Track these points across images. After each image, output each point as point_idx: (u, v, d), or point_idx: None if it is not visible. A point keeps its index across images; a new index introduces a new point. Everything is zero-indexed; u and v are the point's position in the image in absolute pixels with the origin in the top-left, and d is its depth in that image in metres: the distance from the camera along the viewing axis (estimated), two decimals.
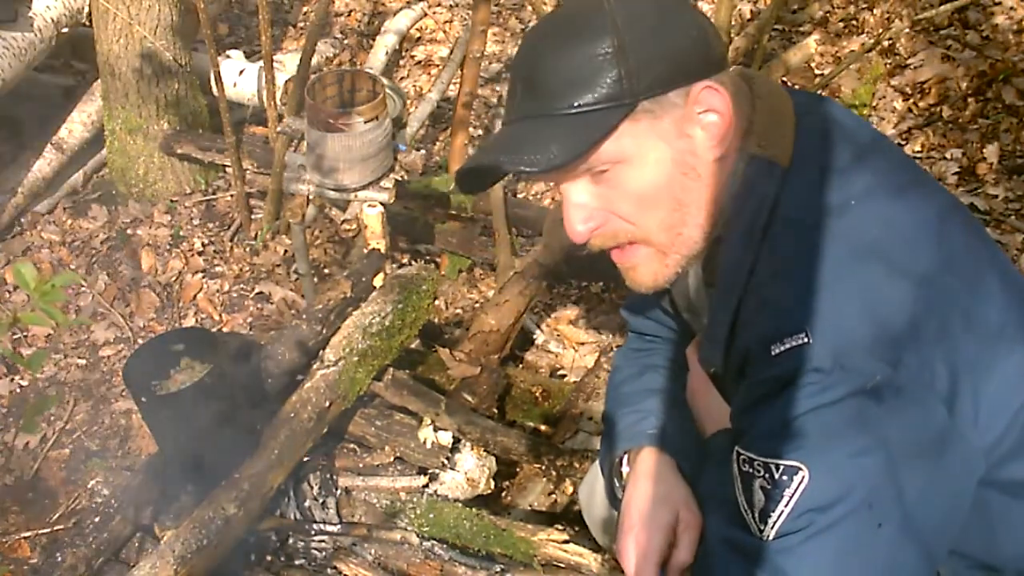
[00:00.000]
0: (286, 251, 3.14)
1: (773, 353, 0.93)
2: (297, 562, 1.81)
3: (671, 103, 0.98)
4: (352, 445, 2.00)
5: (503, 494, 2.10)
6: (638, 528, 1.15)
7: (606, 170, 1.00)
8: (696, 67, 0.99)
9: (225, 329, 2.87)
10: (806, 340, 0.91)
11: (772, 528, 0.93)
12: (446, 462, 1.92)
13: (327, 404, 1.83)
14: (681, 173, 1.01)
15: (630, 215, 1.02)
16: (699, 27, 1.01)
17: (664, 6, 1.00)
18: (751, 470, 0.95)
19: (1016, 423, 0.97)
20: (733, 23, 3.14)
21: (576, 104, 0.96)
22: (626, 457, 1.26)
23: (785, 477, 0.91)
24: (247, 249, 3.16)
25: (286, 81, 3.19)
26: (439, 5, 4.58)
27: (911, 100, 3.67)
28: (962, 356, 0.93)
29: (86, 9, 3.17)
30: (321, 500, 1.90)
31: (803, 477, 0.91)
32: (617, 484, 1.27)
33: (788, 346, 0.92)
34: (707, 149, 1.01)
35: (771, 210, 1.00)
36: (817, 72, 3.94)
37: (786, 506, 0.92)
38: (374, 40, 4.06)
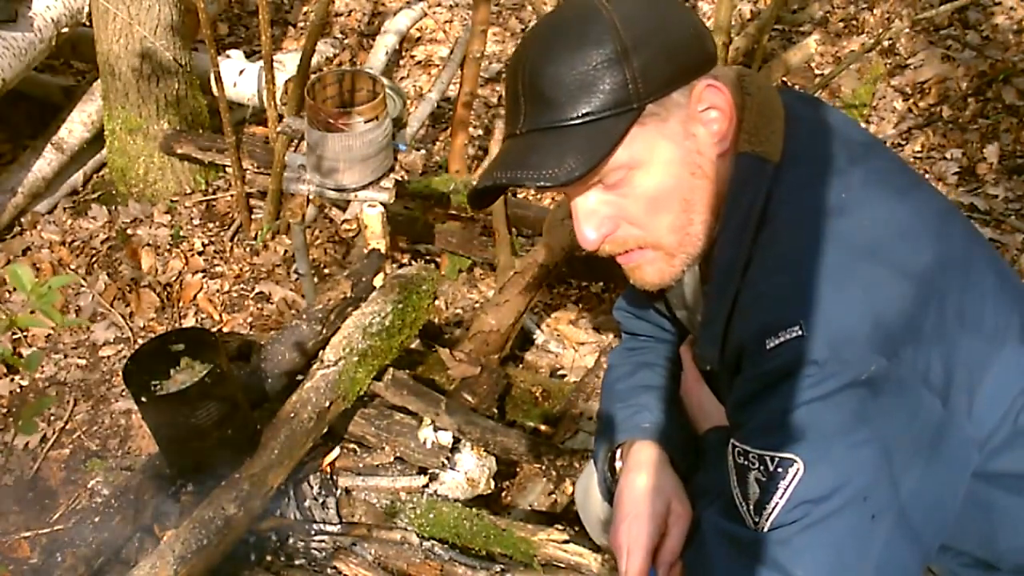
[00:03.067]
0: (286, 251, 3.14)
1: (768, 347, 0.93)
2: (297, 562, 1.81)
3: (675, 103, 0.99)
4: (352, 445, 2.00)
5: (503, 494, 2.10)
6: (631, 517, 1.16)
7: (618, 178, 1.00)
8: (695, 64, 1.00)
9: (225, 329, 2.87)
10: (800, 333, 0.91)
11: (767, 520, 0.93)
12: (446, 462, 1.92)
13: (327, 404, 1.83)
14: (689, 173, 1.01)
15: (641, 220, 1.03)
16: (693, 24, 1.02)
17: (659, 5, 1.00)
18: (746, 462, 0.96)
19: (1009, 417, 0.98)
20: (733, 23, 3.14)
21: (585, 113, 0.96)
22: (619, 451, 1.27)
23: (780, 469, 0.92)
24: (247, 249, 3.16)
25: (286, 81, 3.19)
26: (439, 5, 4.58)
27: (911, 100, 3.67)
28: (957, 353, 0.94)
29: (86, 9, 3.17)
30: (321, 500, 1.90)
31: (798, 469, 0.91)
32: (611, 478, 1.28)
33: (782, 339, 0.92)
34: (710, 146, 1.02)
35: (764, 207, 1.00)
36: (817, 72, 3.94)
37: (781, 498, 0.92)
38: (374, 40, 4.06)
